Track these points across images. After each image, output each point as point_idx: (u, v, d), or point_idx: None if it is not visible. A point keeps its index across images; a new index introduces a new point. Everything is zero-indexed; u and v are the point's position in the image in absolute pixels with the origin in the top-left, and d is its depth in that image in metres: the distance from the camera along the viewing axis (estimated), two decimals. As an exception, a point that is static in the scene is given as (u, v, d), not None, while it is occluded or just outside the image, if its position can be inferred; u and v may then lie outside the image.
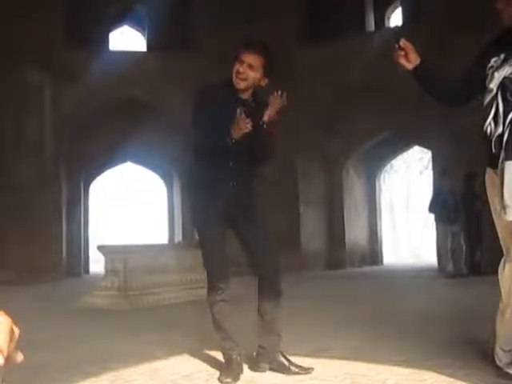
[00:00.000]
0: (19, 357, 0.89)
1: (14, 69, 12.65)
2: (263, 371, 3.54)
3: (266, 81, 3.47)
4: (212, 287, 3.49)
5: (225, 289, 3.48)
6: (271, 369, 3.54)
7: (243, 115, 3.26)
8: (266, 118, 3.39)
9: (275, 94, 3.36)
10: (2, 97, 12.75)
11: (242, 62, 3.39)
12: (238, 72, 3.40)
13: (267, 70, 3.43)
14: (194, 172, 3.64)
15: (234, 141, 3.30)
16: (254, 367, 3.58)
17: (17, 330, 0.90)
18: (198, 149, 3.54)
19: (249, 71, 3.39)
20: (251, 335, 3.65)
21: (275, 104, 3.37)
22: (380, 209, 17.60)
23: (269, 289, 3.52)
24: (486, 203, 3.26)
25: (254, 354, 3.62)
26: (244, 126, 3.24)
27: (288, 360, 3.52)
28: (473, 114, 3.34)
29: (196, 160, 3.57)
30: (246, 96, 3.52)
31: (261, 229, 3.59)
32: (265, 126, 3.40)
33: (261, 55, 3.41)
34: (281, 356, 3.53)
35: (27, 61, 12.72)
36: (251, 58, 3.39)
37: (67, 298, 8.57)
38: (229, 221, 3.52)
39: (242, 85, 3.43)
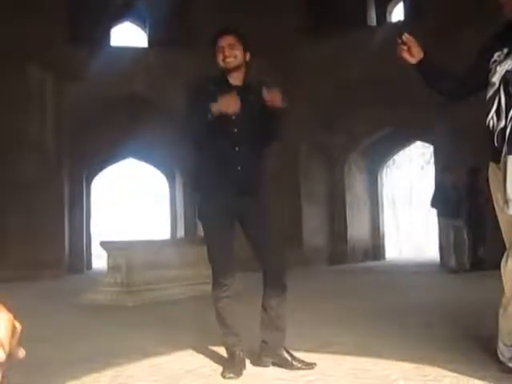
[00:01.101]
0: (21, 353, 0.89)
1: (16, 66, 12.63)
2: (266, 366, 3.54)
3: (249, 55, 3.58)
4: (217, 283, 3.48)
5: (229, 285, 3.48)
6: (274, 363, 3.54)
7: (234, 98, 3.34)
8: (266, 97, 3.39)
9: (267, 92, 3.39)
10: (3, 94, 12.74)
11: (222, 48, 3.50)
12: (224, 56, 3.49)
13: (245, 46, 3.56)
14: (197, 165, 3.62)
15: (212, 116, 3.31)
16: (257, 362, 3.58)
17: (19, 326, 0.89)
18: (187, 131, 3.58)
19: (232, 51, 3.50)
20: (255, 330, 3.65)
21: (274, 97, 3.38)
22: (382, 204, 17.58)
23: (274, 284, 3.50)
24: (489, 198, 3.25)
25: (258, 348, 3.62)
26: (227, 104, 3.31)
27: (291, 355, 3.52)
28: (474, 108, 3.33)
29: (198, 152, 3.57)
30: (238, 82, 3.57)
31: (267, 223, 3.56)
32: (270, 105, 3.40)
33: (233, 34, 3.55)
34: (284, 351, 3.53)
35: (29, 58, 12.70)
36: (228, 39, 3.52)
37: (70, 294, 8.58)
38: (235, 214, 3.50)
39: (233, 63, 3.51)
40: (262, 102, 3.40)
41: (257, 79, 3.63)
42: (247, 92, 3.52)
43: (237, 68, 3.54)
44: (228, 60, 3.49)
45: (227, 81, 3.55)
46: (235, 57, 3.50)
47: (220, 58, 3.51)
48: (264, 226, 3.54)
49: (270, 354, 3.55)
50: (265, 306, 3.54)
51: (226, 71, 3.54)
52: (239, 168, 3.47)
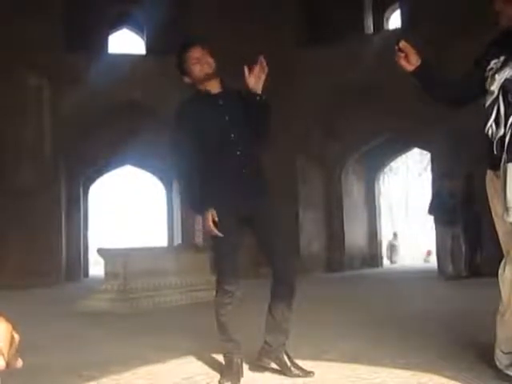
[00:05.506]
0: (19, 363, 0.89)
1: (13, 72, 12.66)
2: (266, 366, 3.54)
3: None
4: (221, 290, 3.48)
5: (234, 292, 3.47)
6: (273, 370, 3.53)
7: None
8: (251, 85, 3.38)
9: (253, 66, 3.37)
10: (1, 100, 12.75)
11: (197, 58, 3.48)
12: (202, 66, 3.48)
13: (211, 53, 3.55)
14: (203, 179, 3.51)
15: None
16: (258, 362, 3.56)
17: (17, 336, 0.89)
18: (183, 175, 3.61)
19: (206, 59, 3.49)
20: (253, 337, 3.64)
21: (256, 71, 3.37)
22: (379, 211, 17.61)
23: (283, 286, 3.49)
24: (486, 205, 3.26)
25: (259, 349, 3.59)
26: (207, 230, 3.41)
27: (291, 361, 3.51)
28: (471, 116, 3.34)
29: (201, 165, 3.54)
30: (217, 89, 3.56)
31: (278, 225, 3.58)
32: (258, 97, 3.41)
33: (199, 44, 3.55)
34: (285, 356, 3.52)
35: (26, 64, 12.72)
36: (198, 50, 3.51)
37: (67, 301, 8.55)
38: (245, 218, 3.48)
39: (211, 71, 3.49)
40: (245, 93, 3.44)
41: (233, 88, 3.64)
42: (230, 94, 3.55)
43: (213, 75, 3.52)
44: (207, 69, 3.48)
45: (208, 91, 3.53)
46: (210, 64, 3.49)
47: (197, 69, 3.48)
48: (275, 228, 3.55)
49: (271, 356, 3.53)
50: (272, 308, 3.53)
51: (205, 82, 3.51)
52: (244, 170, 3.48)
